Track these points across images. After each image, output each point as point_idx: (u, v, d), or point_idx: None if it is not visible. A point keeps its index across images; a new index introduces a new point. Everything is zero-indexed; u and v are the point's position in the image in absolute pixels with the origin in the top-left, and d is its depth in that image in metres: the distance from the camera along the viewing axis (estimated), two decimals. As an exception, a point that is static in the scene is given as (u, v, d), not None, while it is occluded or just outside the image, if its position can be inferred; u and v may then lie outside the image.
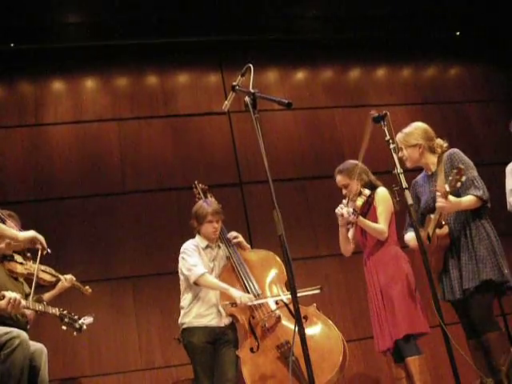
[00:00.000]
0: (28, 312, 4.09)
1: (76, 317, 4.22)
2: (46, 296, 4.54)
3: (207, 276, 4.20)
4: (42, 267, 4.47)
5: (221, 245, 4.55)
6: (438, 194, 3.56)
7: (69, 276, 4.61)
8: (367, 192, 4.24)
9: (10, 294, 3.47)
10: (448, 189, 3.48)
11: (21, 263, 4.39)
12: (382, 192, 4.29)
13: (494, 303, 3.83)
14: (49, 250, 3.91)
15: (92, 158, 6.24)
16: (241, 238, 4.56)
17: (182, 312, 4.37)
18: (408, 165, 4.03)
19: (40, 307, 3.93)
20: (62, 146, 6.24)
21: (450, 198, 3.54)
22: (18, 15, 5.96)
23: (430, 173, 4.02)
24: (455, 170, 3.42)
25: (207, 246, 4.45)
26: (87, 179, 6.14)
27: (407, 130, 4.05)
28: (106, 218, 6.05)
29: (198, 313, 4.29)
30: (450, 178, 3.45)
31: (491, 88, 7.48)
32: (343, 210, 4.18)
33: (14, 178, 5.98)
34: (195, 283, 4.22)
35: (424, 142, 3.96)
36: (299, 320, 2.80)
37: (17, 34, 6.17)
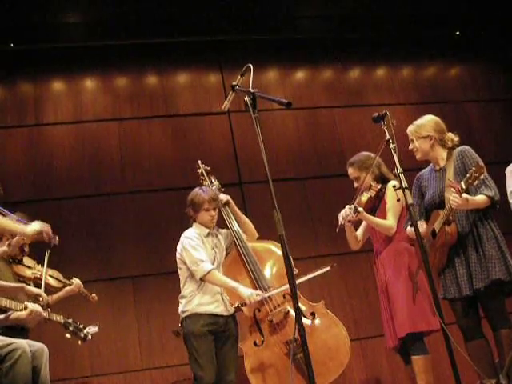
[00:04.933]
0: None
1: (81, 326, 4.20)
2: (53, 298, 4.54)
3: (215, 273, 4.02)
4: (50, 272, 4.46)
5: (220, 234, 4.41)
6: (452, 190, 3.55)
7: (77, 281, 4.60)
8: (377, 186, 4.18)
9: (32, 306, 3.47)
10: (464, 186, 3.48)
11: (29, 267, 4.40)
12: (392, 186, 4.18)
13: (506, 301, 3.83)
14: (56, 240, 3.84)
15: (92, 158, 6.25)
16: (230, 200, 4.46)
17: (184, 301, 4.14)
18: (418, 157, 4.01)
19: (44, 314, 3.93)
20: (62, 146, 6.25)
21: (464, 195, 3.53)
22: (18, 15, 5.97)
23: (437, 168, 3.98)
24: (474, 168, 3.42)
25: (208, 234, 4.27)
26: (87, 179, 6.15)
27: (419, 121, 4.03)
28: (106, 218, 6.05)
29: (202, 301, 4.08)
30: (469, 175, 3.44)
31: (491, 87, 7.49)
32: (346, 208, 4.13)
33: (14, 178, 5.98)
34: (201, 279, 4.05)
35: (435, 134, 3.94)
36: (299, 319, 2.80)
37: (17, 34, 6.19)
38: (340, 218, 4.22)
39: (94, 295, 4.75)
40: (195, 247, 4.12)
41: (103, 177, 6.20)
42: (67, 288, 4.54)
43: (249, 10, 6.56)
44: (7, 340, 3.49)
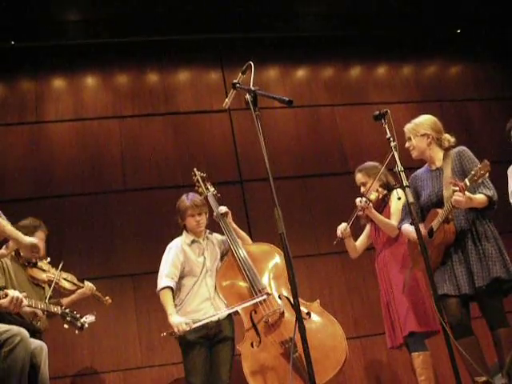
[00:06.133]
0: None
1: (78, 315, 4.24)
2: (65, 301, 4.61)
3: (166, 292, 4.20)
4: (64, 275, 4.62)
5: (214, 239, 4.52)
6: (454, 188, 3.55)
7: (90, 284, 4.70)
8: (383, 191, 4.37)
9: (12, 293, 3.47)
10: (468, 183, 3.49)
11: (43, 270, 4.50)
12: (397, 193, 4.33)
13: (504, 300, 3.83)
14: (39, 257, 3.98)
15: (93, 156, 6.24)
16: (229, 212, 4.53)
17: (176, 309, 4.28)
18: (414, 155, 4.05)
19: (42, 306, 3.95)
20: (63, 144, 6.25)
21: (467, 193, 3.54)
22: (19, 13, 5.96)
23: (434, 168, 4.00)
24: (480, 165, 3.42)
25: (193, 241, 4.42)
26: (88, 177, 6.14)
27: (417, 120, 4.07)
28: (106, 216, 6.05)
29: (191, 308, 4.26)
30: (473, 172, 3.45)
31: (492, 86, 7.48)
32: (356, 200, 4.30)
33: (15, 176, 5.98)
34: (158, 291, 4.26)
35: (433, 132, 3.97)
36: (299, 317, 2.80)
37: (17, 32, 6.17)
38: (338, 232, 4.44)
39: (107, 298, 4.85)
40: (167, 260, 4.34)
41: (104, 174, 6.20)
42: (79, 290, 4.64)
43: (249, 7, 6.55)
44: (6, 326, 3.50)
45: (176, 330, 4.00)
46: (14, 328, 3.53)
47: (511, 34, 7.29)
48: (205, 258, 4.39)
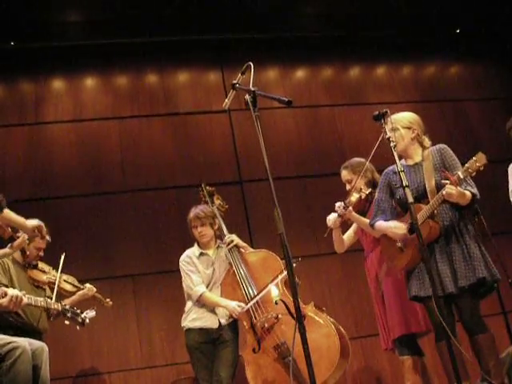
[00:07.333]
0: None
1: (78, 311, 4.26)
2: (66, 302, 4.61)
3: (206, 295, 4.40)
4: (65, 277, 4.65)
5: (223, 247, 4.58)
6: (445, 181, 3.49)
7: (90, 285, 4.74)
8: (367, 190, 4.20)
9: (12, 292, 3.47)
10: (462, 176, 3.44)
11: (44, 272, 4.53)
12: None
13: (492, 301, 3.77)
14: (48, 238, 4.03)
15: (92, 157, 6.24)
16: (235, 241, 4.53)
17: (184, 316, 4.52)
18: (399, 147, 3.81)
19: (42, 303, 3.95)
20: (63, 145, 6.25)
21: (458, 188, 3.47)
22: (19, 14, 5.96)
23: (411, 163, 3.89)
24: (475, 158, 3.37)
25: (201, 254, 4.54)
26: (87, 178, 6.15)
27: (403, 113, 3.97)
28: (106, 217, 6.05)
29: (194, 316, 4.44)
30: (468, 164, 3.40)
31: (491, 86, 7.48)
32: (336, 204, 4.19)
33: (14, 177, 5.99)
34: (197, 301, 4.42)
35: (418, 128, 3.89)
36: (300, 319, 2.79)
37: (17, 33, 6.18)
38: (329, 223, 4.28)
39: (108, 300, 4.87)
40: (188, 273, 4.49)
41: (103, 175, 6.20)
42: (80, 292, 4.66)
43: (249, 8, 6.55)
44: (7, 339, 3.48)
45: (233, 314, 4.21)
46: (16, 340, 3.51)
47: (511, 33, 7.30)
48: (214, 269, 4.51)
